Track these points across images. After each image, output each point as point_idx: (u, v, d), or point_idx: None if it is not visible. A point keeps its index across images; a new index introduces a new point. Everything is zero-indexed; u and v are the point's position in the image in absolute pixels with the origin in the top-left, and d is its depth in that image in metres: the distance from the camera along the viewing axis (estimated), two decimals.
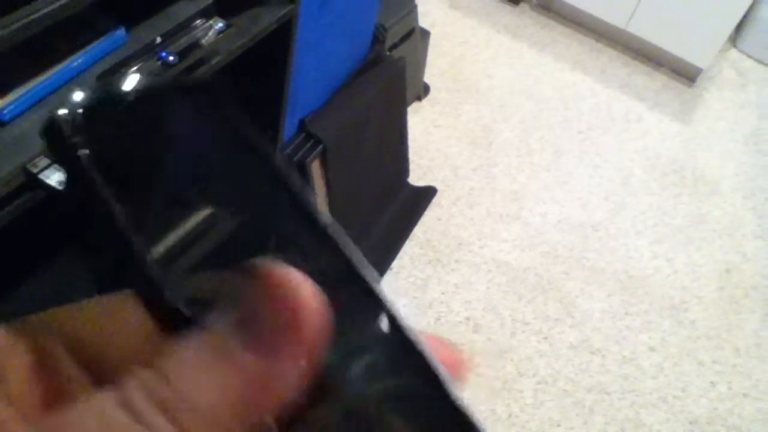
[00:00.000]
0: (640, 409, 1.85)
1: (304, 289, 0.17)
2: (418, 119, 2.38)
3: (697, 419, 1.86)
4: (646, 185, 2.37)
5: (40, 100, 0.74)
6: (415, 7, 2.12)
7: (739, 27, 2.98)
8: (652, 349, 1.97)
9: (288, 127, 1.69)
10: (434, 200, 2.16)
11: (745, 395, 1.93)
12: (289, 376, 0.17)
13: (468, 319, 1.92)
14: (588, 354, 1.93)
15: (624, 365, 1.92)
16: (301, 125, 1.73)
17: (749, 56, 3.01)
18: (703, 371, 1.95)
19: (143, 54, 0.76)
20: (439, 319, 1.90)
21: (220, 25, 0.83)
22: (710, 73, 2.86)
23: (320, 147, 1.73)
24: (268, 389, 0.17)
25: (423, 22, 2.30)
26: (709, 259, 2.21)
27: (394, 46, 2.08)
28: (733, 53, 3.02)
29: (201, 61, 0.84)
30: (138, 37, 0.76)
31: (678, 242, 2.23)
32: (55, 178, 0.77)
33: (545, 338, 1.93)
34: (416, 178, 2.20)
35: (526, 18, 2.88)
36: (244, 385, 0.17)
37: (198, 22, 0.82)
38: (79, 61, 0.72)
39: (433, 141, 2.33)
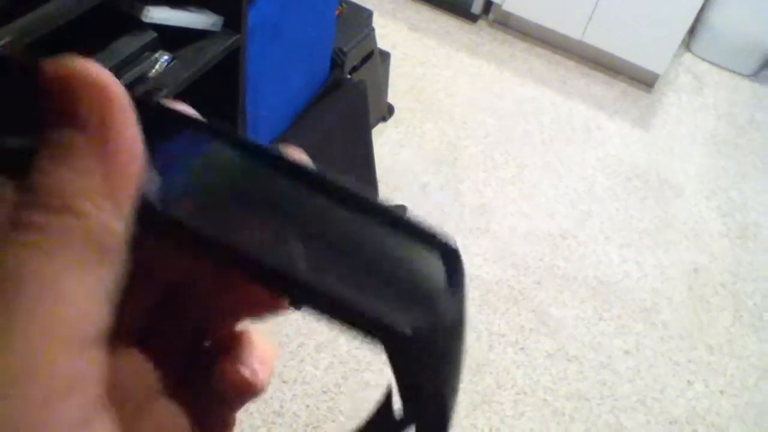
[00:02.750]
0: (620, 414, 1.86)
1: (101, 76, 0.16)
2: (384, 140, 2.40)
3: (676, 419, 1.87)
4: (610, 192, 2.40)
5: None
6: (373, 30, 2.15)
7: (692, 31, 3.05)
8: (627, 352, 1.99)
9: None
10: None
11: (721, 392, 1.95)
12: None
13: None
14: (565, 362, 1.94)
15: (601, 371, 1.94)
16: None
17: (704, 59, 3.08)
18: (678, 371, 1.97)
19: None
20: None
21: (166, 57, 0.84)
22: (667, 78, 2.92)
23: None
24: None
25: (383, 44, 2.32)
26: (676, 260, 2.24)
27: (355, 69, 2.10)
28: (688, 57, 3.09)
29: (148, 95, 0.85)
30: None
31: (645, 246, 2.26)
32: None
33: (521, 349, 1.94)
34: (384, 197, 2.21)
35: (484, 35, 2.93)
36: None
37: (143, 56, 0.82)
38: None
39: (399, 161, 2.35)
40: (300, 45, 1.68)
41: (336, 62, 1.96)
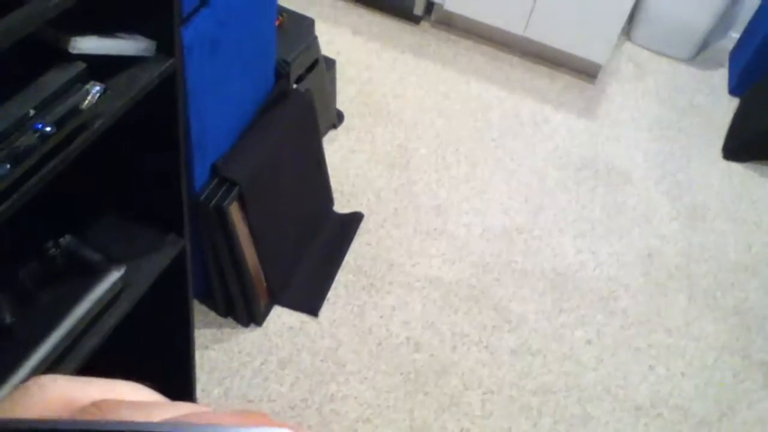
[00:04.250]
0: (586, 404, 1.88)
1: None
2: (336, 147, 2.38)
3: (641, 405, 1.91)
4: (561, 183, 2.43)
5: None
6: (316, 38, 2.14)
7: (631, 20, 3.12)
8: (589, 342, 2.01)
9: (200, 173, 1.67)
10: (361, 225, 2.17)
11: (682, 374, 1.99)
12: None
13: (408, 339, 1.93)
14: (529, 356, 1.96)
15: (564, 362, 1.96)
16: (214, 170, 1.71)
17: (644, 47, 3.14)
18: (640, 357, 2.01)
19: (16, 129, 0.74)
20: (380, 344, 1.89)
21: (98, 88, 0.81)
22: (609, 68, 2.97)
23: (236, 189, 1.71)
24: None
25: (328, 50, 2.31)
26: (630, 246, 2.28)
27: (300, 78, 2.09)
28: (629, 46, 3.15)
29: (82, 127, 0.82)
30: (8, 113, 0.74)
31: (599, 234, 2.29)
32: None
33: (485, 347, 1.95)
34: (341, 206, 2.20)
35: (427, 36, 2.94)
36: None
37: (74, 88, 0.80)
38: None
39: (352, 167, 2.34)
40: (241, 59, 1.66)
41: (281, 73, 1.94)
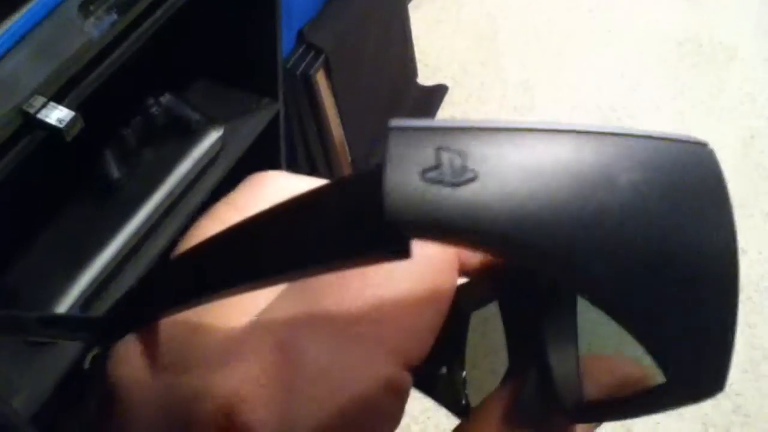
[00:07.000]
0: None
1: None
2: (419, 16, 2.29)
3: None
4: (661, 58, 2.28)
5: (24, 36, 0.70)
6: None
7: None
8: None
9: (287, 40, 1.63)
10: (446, 98, 2.11)
11: None
12: None
13: None
14: None
15: None
16: (300, 36, 1.68)
17: None
18: None
19: None
20: None
21: None
22: None
23: (322, 56, 1.68)
24: None
25: None
26: (732, 126, 2.15)
27: None
28: None
29: None
30: None
31: (699, 113, 2.17)
32: (54, 116, 0.75)
33: None
34: (424, 78, 2.14)
35: None
36: None
37: None
38: None
39: (437, 38, 2.25)
40: None
41: None
